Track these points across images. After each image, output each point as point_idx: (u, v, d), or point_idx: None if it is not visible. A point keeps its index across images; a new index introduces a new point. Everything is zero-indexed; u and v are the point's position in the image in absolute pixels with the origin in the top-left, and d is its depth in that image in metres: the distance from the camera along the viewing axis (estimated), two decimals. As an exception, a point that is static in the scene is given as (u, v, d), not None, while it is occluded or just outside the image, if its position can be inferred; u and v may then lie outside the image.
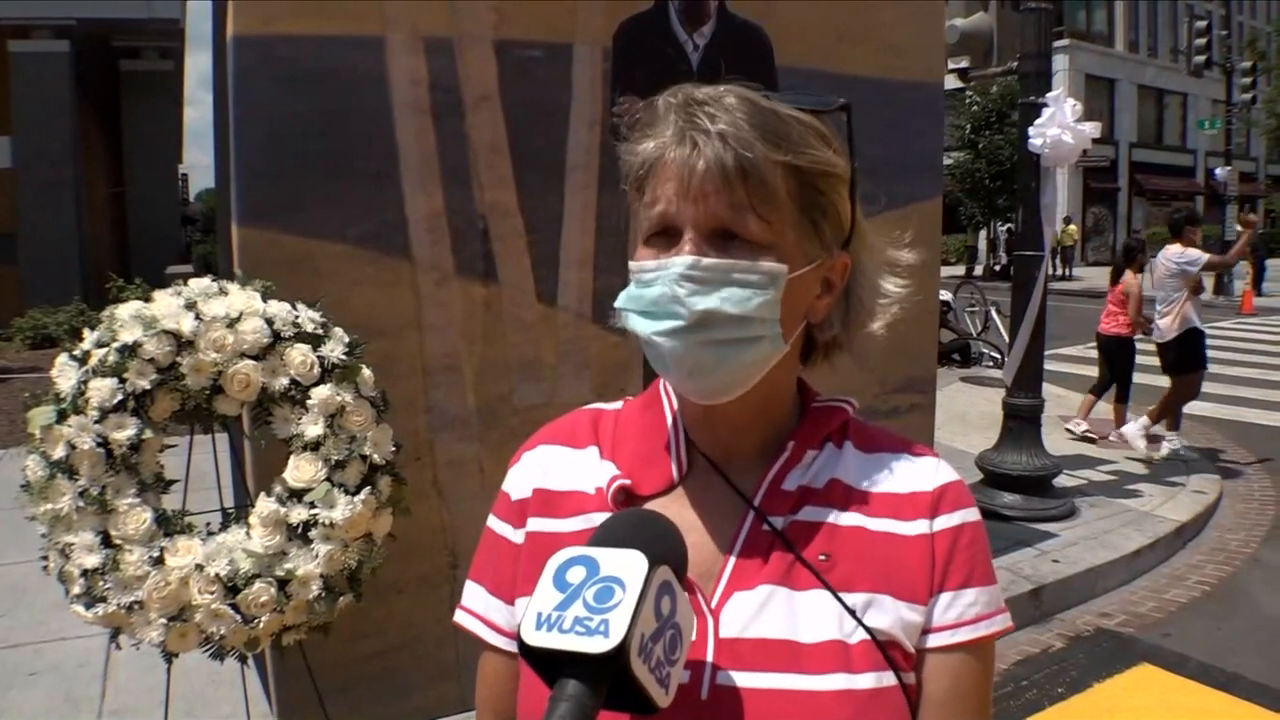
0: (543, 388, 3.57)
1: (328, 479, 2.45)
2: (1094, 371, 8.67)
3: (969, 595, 0.92)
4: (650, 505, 0.93)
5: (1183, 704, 4.10)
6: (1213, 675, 4.29)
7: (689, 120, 0.88)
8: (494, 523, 1.05)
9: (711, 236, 0.87)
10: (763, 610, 0.89)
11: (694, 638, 0.82)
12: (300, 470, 2.44)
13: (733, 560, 0.92)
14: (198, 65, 32.90)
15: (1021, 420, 6.29)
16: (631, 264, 0.92)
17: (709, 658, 0.87)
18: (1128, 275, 8.24)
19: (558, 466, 1.02)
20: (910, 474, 0.97)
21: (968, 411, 9.01)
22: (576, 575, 0.75)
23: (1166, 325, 7.81)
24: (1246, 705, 4.02)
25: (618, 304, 0.93)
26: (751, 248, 0.88)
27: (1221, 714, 3.99)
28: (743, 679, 0.86)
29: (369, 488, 2.51)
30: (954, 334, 12.57)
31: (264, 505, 2.43)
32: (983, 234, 31.33)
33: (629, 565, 0.74)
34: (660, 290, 0.88)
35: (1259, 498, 7.14)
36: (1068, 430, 8.43)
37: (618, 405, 1.08)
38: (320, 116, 3.15)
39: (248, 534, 2.41)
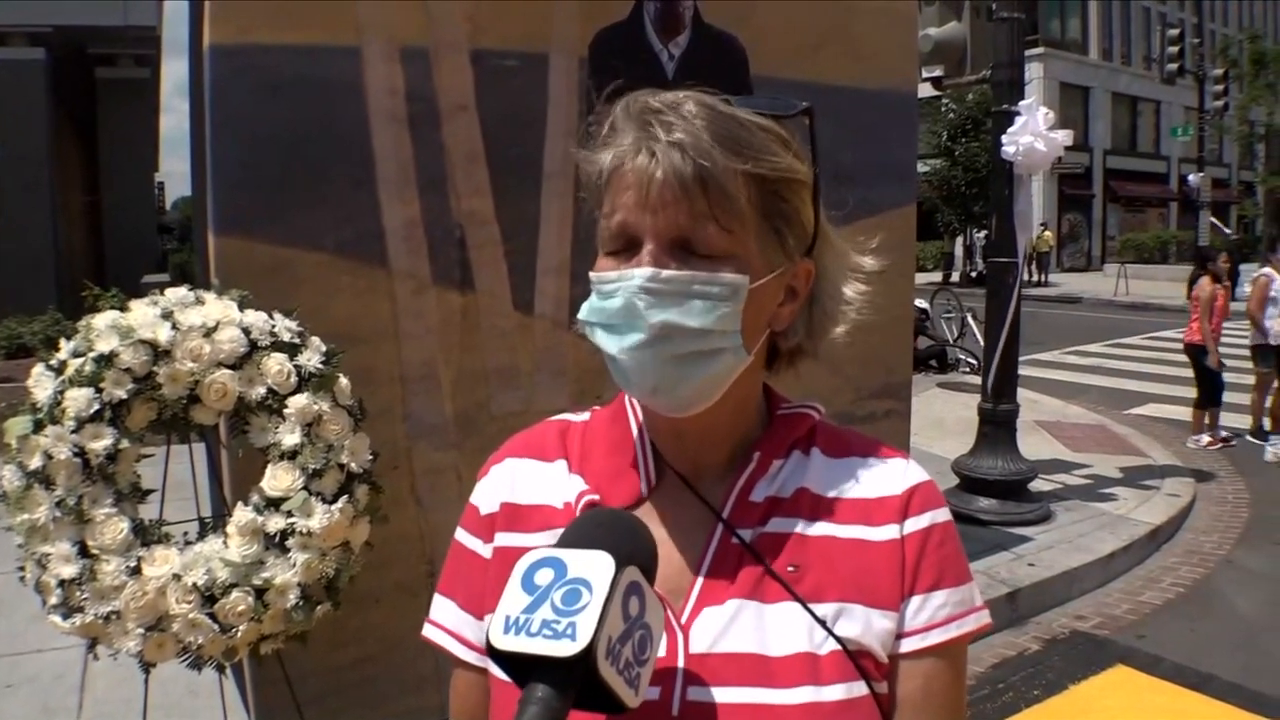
0: (520, 395, 3.57)
1: (305, 488, 2.44)
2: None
3: (939, 597, 0.91)
4: None
5: (1157, 704, 4.14)
6: (1187, 676, 4.34)
7: (645, 130, 0.86)
8: (463, 536, 1.03)
9: (671, 247, 0.86)
10: (732, 624, 0.88)
11: (664, 638, 0.82)
12: (277, 479, 2.44)
13: (702, 574, 0.91)
14: (173, 72, 32.54)
15: (997, 425, 6.34)
16: (592, 275, 0.91)
17: (679, 673, 0.87)
18: (1202, 282, 8.30)
19: (525, 480, 1.01)
20: (879, 478, 0.95)
21: (944, 417, 9.05)
22: (544, 577, 0.75)
23: (1276, 330, 8.04)
24: (1220, 705, 4.06)
25: (580, 315, 0.91)
26: (712, 258, 0.86)
27: (1196, 714, 4.04)
28: (713, 694, 0.86)
29: (346, 496, 2.50)
30: (931, 340, 12.65)
31: (241, 514, 2.42)
32: (959, 240, 31.45)
33: (596, 567, 0.74)
34: (621, 302, 0.86)
35: (1232, 500, 7.22)
36: (1189, 447, 8.50)
37: (585, 416, 1.06)
38: (297, 125, 3.14)
39: (225, 543, 2.41)
